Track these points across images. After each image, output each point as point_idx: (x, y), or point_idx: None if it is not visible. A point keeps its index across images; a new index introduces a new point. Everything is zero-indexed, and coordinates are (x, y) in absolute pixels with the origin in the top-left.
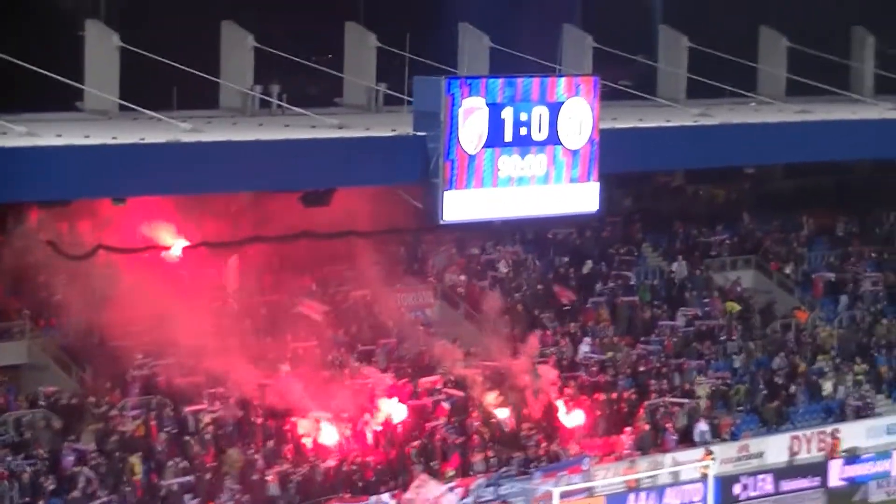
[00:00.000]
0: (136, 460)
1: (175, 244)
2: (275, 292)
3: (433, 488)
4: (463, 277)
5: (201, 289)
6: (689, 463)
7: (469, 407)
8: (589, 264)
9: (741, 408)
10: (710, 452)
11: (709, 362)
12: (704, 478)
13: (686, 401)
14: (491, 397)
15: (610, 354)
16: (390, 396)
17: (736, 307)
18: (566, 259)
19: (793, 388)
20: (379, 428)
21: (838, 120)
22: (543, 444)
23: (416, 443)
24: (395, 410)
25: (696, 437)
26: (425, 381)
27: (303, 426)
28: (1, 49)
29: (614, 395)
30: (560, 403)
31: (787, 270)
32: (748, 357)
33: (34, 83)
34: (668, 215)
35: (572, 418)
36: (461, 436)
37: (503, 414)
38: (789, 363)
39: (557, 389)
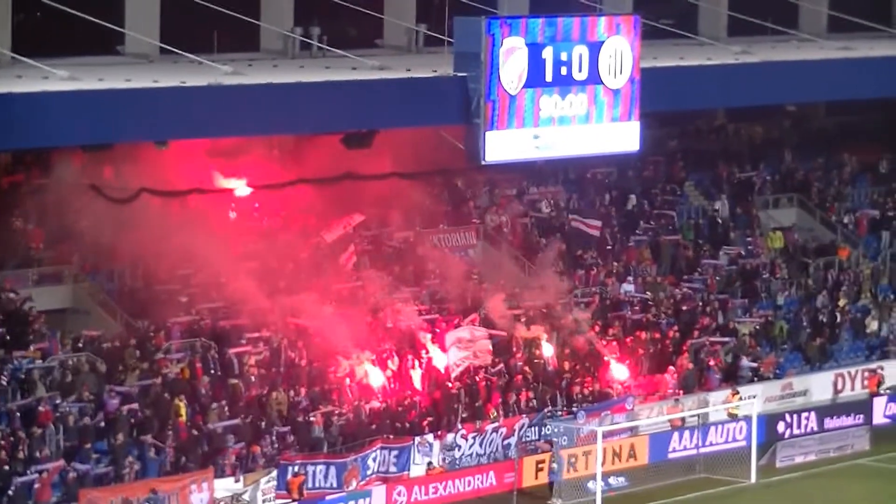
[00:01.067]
0: (181, 403)
1: (218, 187)
2: (317, 234)
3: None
4: (505, 218)
5: (244, 231)
6: (718, 404)
7: (512, 347)
8: (631, 203)
9: (785, 346)
10: (736, 392)
11: (752, 300)
12: (733, 418)
13: (729, 339)
14: (534, 337)
15: (651, 294)
16: (433, 337)
17: (778, 240)
18: (608, 198)
19: (837, 324)
20: (421, 368)
21: (880, 56)
22: (587, 384)
23: (459, 383)
24: (437, 351)
25: (740, 376)
26: (468, 321)
27: (347, 368)
28: None
29: (657, 335)
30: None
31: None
32: (792, 295)
33: (75, 27)
34: (710, 154)
35: (616, 370)
36: (505, 376)
37: (548, 352)
38: (833, 301)
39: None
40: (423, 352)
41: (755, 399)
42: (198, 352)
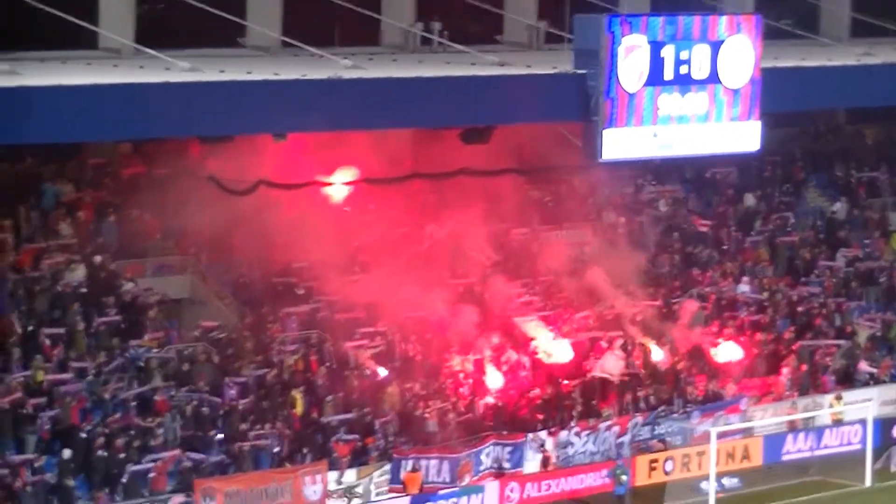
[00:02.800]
0: (297, 395)
1: (335, 180)
2: (433, 229)
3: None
4: (623, 218)
5: (360, 224)
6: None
7: (628, 346)
8: (749, 203)
9: None
10: (839, 397)
11: (869, 302)
12: (839, 423)
13: (844, 342)
14: (649, 336)
15: (767, 295)
16: (549, 334)
17: None
18: (726, 198)
19: None
20: (535, 366)
21: None
22: (702, 384)
23: (575, 380)
24: (553, 348)
25: (857, 379)
26: (584, 319)
27: (462, 363)
28: None
29: (772, 336)
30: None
31: None
32: None
33: (198, 19)
34: (829, 155)
35: (727, 353)
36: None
37: (658, 354)
38: None
39: (712, 331)
40: (538, 349)
41: (871, 402)
42: (313, 344)
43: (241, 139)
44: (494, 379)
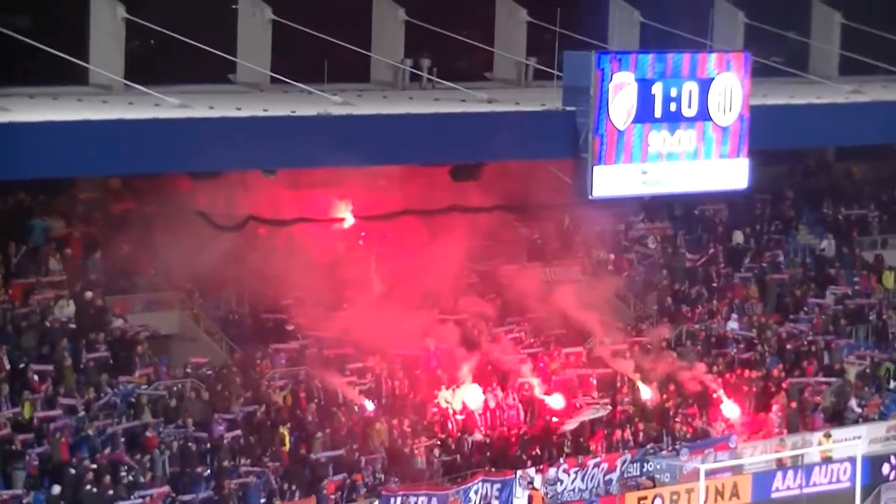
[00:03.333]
0: (285, 431)
1: (325, 216)
2: (423, 265)
3: None
4: (612, 255)
5: (350, 261)
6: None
7: (617, 382)
8: (738, 241)
9: (891, 386)
10: (828, 435)
11: (859, 340)
12: (828, 461)
13: (834, 379)
14: (637, 373)
15: (756, 332)
16: (536, 371)
17: (892, 279)
18: (715, 235)
19: None
20: (523, 403)
21: None
22: (691, 421)
23: (564, 418)
24: (540, 385)
25: (846, 417)
26: (572, 356)
27: (449, 400)
28: (156, 22)
29: (761, 373)
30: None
31: None
32: None
33: (188, 56)
34: (819, 192)
35: (726, 408)
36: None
37: (647, 391)
38: None
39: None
40: (526, 386)
41: (860, 440)
42: (302, 380)
43: (230, 175)
44: (481, 416)
